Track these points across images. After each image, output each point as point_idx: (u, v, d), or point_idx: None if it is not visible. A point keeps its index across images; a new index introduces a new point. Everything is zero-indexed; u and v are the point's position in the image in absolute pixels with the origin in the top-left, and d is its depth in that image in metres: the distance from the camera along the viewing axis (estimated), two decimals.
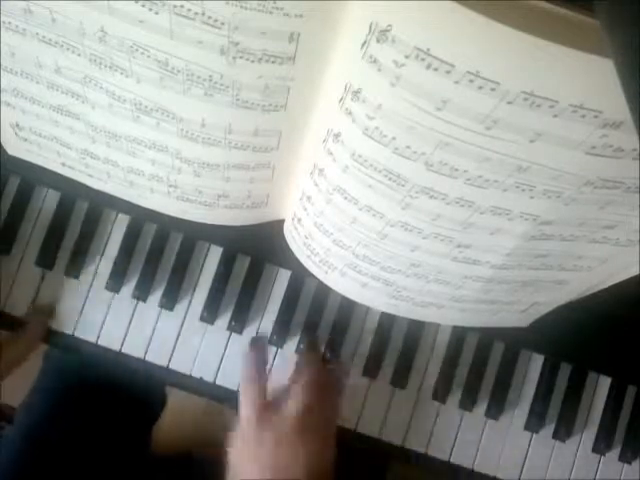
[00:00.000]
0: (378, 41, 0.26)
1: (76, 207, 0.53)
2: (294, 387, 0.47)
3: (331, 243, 0.41)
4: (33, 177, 0.51)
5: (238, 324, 0.53)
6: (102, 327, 0.52)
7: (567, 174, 0.30)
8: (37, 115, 0.41)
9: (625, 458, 0.55)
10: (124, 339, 0.52)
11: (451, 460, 0.54)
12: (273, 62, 0.30)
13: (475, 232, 0.35)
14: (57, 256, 0.53)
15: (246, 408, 0.46)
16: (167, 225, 0.52)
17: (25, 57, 0.35)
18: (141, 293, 0.53)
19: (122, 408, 0.66)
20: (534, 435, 0.55)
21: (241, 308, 0.53)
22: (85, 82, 0.35)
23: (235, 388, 0.52)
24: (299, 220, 0.43)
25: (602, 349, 0.54)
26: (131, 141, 0.39)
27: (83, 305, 0.53)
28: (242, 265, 0.54)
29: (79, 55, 0.33)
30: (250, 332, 0.53)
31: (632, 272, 0.40)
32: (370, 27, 0.26)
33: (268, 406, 0.46)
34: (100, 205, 0.53)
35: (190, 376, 0.53)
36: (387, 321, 0.54)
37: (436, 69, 0.25)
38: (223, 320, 0.53)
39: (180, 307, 0.53)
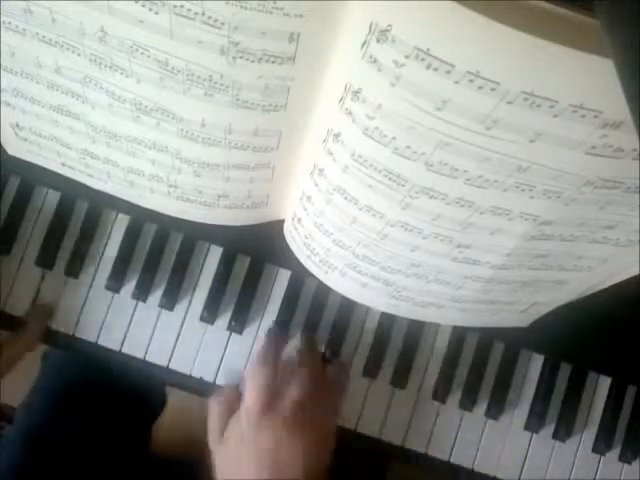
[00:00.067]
0: (378, 41, 0.26)
1: (76, 207, 0.53)
2: (292, 381, 0.47)
3: (331, 243, 0.41)
4: (33, 177, 0.51)
5: (238, 324, 0.53)
6: (102, 327, 0.52)
7: (567, 174, 0.30)
8: (37, 115, 0.41)
9: (625, 458, 0.55)
10: (124, 339, 0.52)
11: (451, 460, 0.54)
12: (273, 62, 0.30)
13: (475, 232, 0.35)
14: (57, 256, 0.53)
15: (251, 393, 0.46)
16: (167, 225, 0.52)
17: (25, 57, 0.35)
18: (141, 293, 0.53)
19: (122, 408, 0.66)
20: (534, 435, 0.55)
21: (241, 308, 0.53)
22: (85, 82, 0.35)
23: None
24: (299, 220, 0.43)
25: (602, 349, 0.54)
26: (131, 141, 0.39)
27: (83, 305, 0.53)
28: (242, 265, 0.54)
29: (79, 55, 0.33)
30: (250, 332, 0.53)
31: (632, 272, 0.40)
32: (370, 27, 0.26)
33: (272, 395, 0.46)
34: (100, 205, 0.53)
35: (190, 376, 0.53)
36: (387, 321, 0.54)
37: (436, 69, 0.25)
38: (223, 320, 0.53)
39: (180, 307, 0.53)
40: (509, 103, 0.26)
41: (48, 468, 0.59)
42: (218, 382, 0.53)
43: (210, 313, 0.53)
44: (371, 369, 0.53)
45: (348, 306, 0.53)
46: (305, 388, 0.47)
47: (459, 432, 0.54)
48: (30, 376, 0.65)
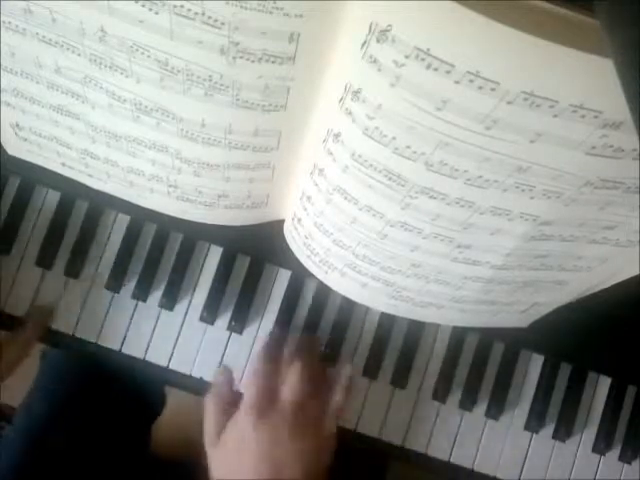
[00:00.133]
0: (378, 41, 0.26)
1: (76, 207, 0.53)
2: (292, 381, 0.47)
3: (331, 243, 0.41)
4: (33, 177, 0.51)
5: (238, 324, 0.53)
6: (102, 327, 0.52)
7: (567, 174, 0.30)
8: (37, 115, 0.41)
9: (625, 458, 0.55)
10: (124, 339, 0.52)
11: (451, 460, 0.54)
12: (273, 62, 0.30)
13: (475, 232, 0.35)
14: (57, 256, 0.53)
15: (251, 393, 0.46)
16: (167, 225, 0.52)
17: (25, 57, 0.35)
18: (141, 293, 0.53)
19: (122, 408, 0.66)
20: (534, 435, 0.55)
21: (241, 308, 0.53)
22: (85, 82, 0.35)
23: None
24: (299, 220, 0.43)
25: (602, 349, 0.54)
26: (131, 141, 0.39)
27: (83, 305, 0.53)
28: (242, 265, 0.54)
29: (79, 55, 0.33)
30: (250, 332, 0.53)
31: (632, 272, 0.40)
32: (370, 27, 0.26)
33: (272, 396, 0.46)
34: (100, 205, 0.53)
35: (190, 376, 0.53)
36: (387, 321, 0.54)
37: (436, 69, 0.25)
38: (223, 320, 0.53)
39: (180, 307, 0.53)
40: (509, 103, 0.26)
41: (48, 468, 0.59)
42: (209, 379, 0.52)
43: (210, 313, 0.53)
44: (371, 369, 0.53)
45: (348, 306, 0.53)
46: (305, 388, 0.46)
47: (459, 432, 0.54)
48: (30, 376, 0.65)
